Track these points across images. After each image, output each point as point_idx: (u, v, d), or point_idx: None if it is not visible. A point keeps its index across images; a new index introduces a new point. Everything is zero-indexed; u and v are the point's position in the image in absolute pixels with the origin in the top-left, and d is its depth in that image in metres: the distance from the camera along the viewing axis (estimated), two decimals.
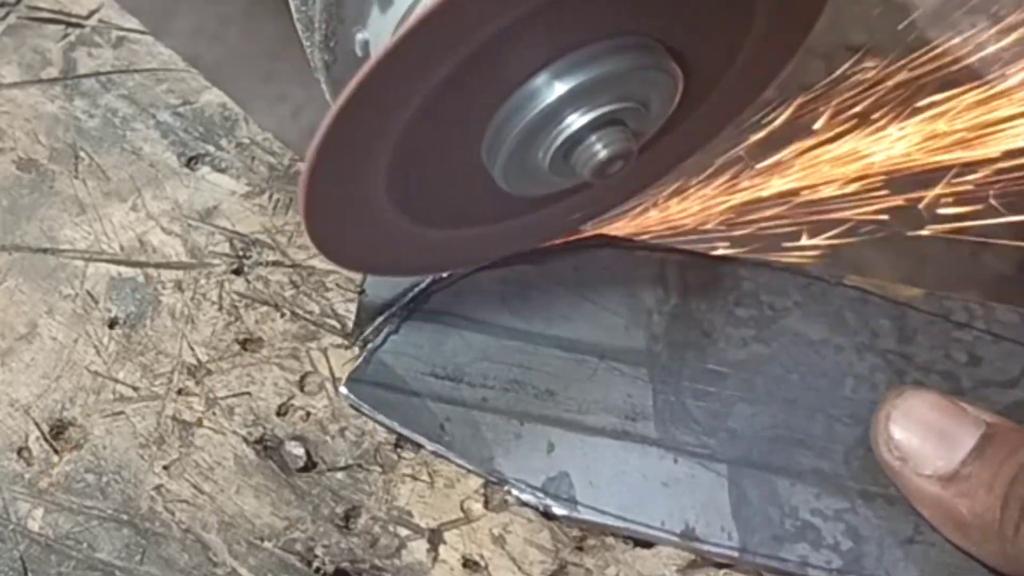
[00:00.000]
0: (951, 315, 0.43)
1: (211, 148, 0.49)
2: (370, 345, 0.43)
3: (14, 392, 0.43)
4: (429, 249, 0.40)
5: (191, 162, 0.48)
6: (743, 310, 0.43)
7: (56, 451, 0.42)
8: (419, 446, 0.41)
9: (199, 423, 0.42)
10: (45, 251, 0.46)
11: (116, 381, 0.43)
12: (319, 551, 0.40)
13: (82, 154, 0.48)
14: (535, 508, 0.40)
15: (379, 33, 0.36)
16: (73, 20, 0.52)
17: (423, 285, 0.43)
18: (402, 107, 0.32)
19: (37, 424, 0.42)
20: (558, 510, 0.40)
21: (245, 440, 0.42)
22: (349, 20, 0.36)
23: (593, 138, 0.34)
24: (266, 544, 0.40)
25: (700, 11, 0.35)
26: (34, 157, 0.48)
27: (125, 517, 0.41)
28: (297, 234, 0.47)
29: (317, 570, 0.40)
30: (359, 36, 0.36)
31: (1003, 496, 0.35)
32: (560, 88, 0.33)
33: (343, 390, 0.42)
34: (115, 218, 0.47)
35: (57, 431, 0.42)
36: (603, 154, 0.34)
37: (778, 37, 0.38)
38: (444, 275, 0.43)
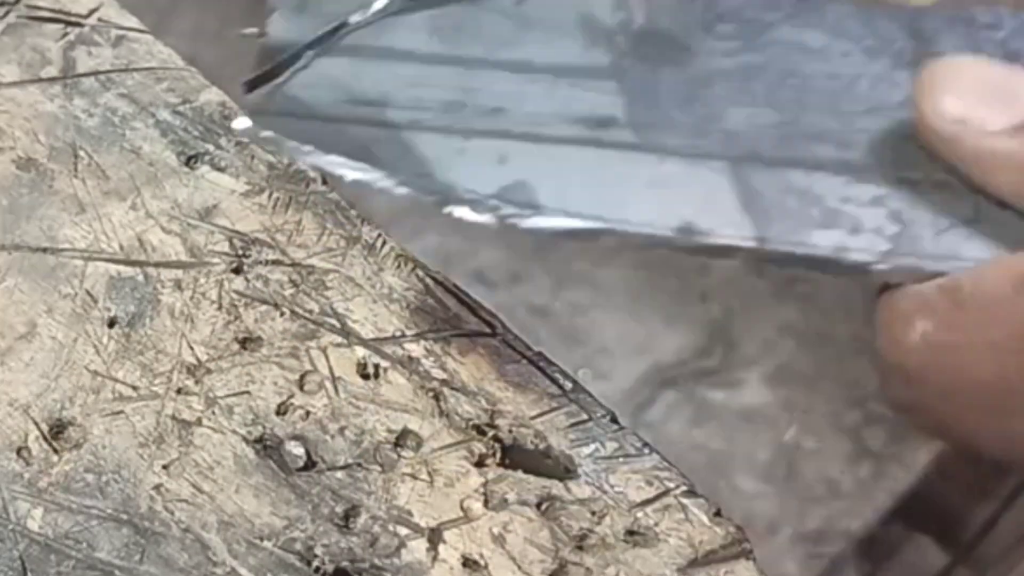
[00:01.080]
0: (975, 20, 0.37)
1: (211, 147, 0.49)
2: (274, 83, 0.37)
3: (13, 391, 0.43)
4: None
5: (191, 161, 0.48)
6: (725, 26, 0.38)
7: (55, 450, 0.42)
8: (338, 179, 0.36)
9: (198, 422, 0.42)
10: (44, 250, 0.46)
11: (115, 380, 0.43)
12: (319, 550, 0.40)
13: (81, 153, 0.48)
14: (491, 223, 0.35)
15: None
16: (72, 19, 0.51)
17: (335, 24, 0.38)
18: None
19: (36, 423, 0.42)
20: (519, 220, 0.34)
21: (244, 439, 0.42)
22: None
23: None
24: (265, 543, 0.40)
25: None
26: (33, 156, 0.48)
27: (124, 516, 0.41)
28: (296, 233, 0.47)
29: (317, 569, 0.40)
30: None
31: None
32: None
33: (237, 124, 0.36)
34: (114, 217, 0.47)
35: (56, 430, 0.42)
36: None
37: None
38: (359, 19, 0.38)
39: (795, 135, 0.36)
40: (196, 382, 0.43)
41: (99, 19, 0.52)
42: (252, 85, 0.38)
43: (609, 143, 0.36)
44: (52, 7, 0.52)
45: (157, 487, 0.41)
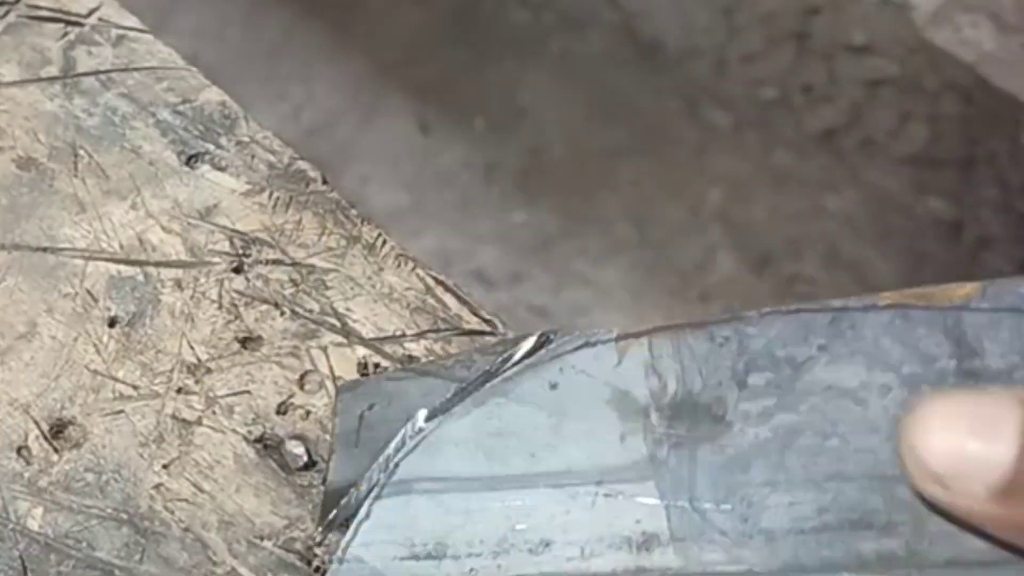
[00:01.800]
0: (1020, 304, 0.33)
1: (211, 146, 0.49)
2: (343, 541, 0.37)
3: (13, 391, 0.43)
4: None
5: (191, 160, 0.48)
6: (757, 375, 0.35)
7: (56, 450, 0.42)
8: None
9: (199, 422, 0.42)
10: (44, 250, 0.46)
11: (116, 380, 0.43)
12: (319, 550, 0.40)
13: (81, 152, 0.48)
14: None
15: None
16: (73, 18, 0.51)
17: (388, 451, 0.38)
18: None
19: (36, 423, 0.42)
20: None
21: (245, 439, 0.42)
22: None
23: None
24: (266, 543, 0.40)
25: None
26: (33, 156, 0.48)
27: (125, 516, 0.41)
28: (297, 232, 0.47)
29: (317, 569, 0.40)
30: None
31: None
32: None
33: None
34: (115, 216, 0.47)
35: (57, 430, 0.42)
36: None
37: None
38: (410, 436, 0.38)
39: (834, 527, 0.32)
40: (196, 381, 0.43)
41: (99, 19, 0.52)
42: (324, 532, 0.39)
43: (656, 572, 0.33)
44: (52, 7, 0.52)
45: (157, 486, 0.41)
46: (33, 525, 0.40)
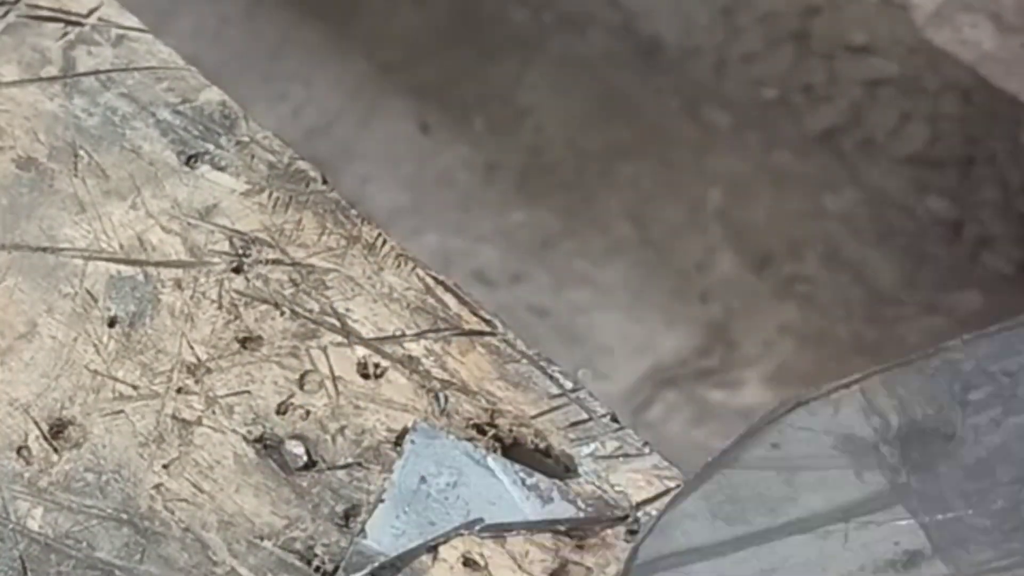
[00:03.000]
0: None
1: (211, 146, 0.49)
2: None
3: (13, 391, 0.43)
4: None
5: (191, 160, 0.48)
6: (976, 392, 0.35)
7: (56, 450, 0.42)
8: None
9: (199, 422, 0.42)
10: (44, 250, 0.46)
11: (115, 380, 0.43)
12: (319, 550, 0.40)
13: (81, 152, 0.48)
14: None
15: None
16: (73, 18, 0.51)
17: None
18: None
19: (36, 423, 0.42)
20: None
21: (245, 439, 0.42)
22: None
23: None
24: (266, 543, 0.40)
25: None
26: (33, 156, 0.48)
27: (125, 516, 0.41)
28: (297, 232, 0.47)
29: (317, 569, 0.40)
30: None
31: None
32: None
33: None
34: (114, 216, 0.47)
35: (57, 430, 0.42)
36: None
37: None
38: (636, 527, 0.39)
39: None
40: (196, 381, 0.43)
41: (99, 18, 0.52)
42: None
43: None
44: (52, 7, 0.52)
45: (157, 487, 0.41)
46: (33, 525, 0.40)
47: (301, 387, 0.44)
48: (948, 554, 0.34)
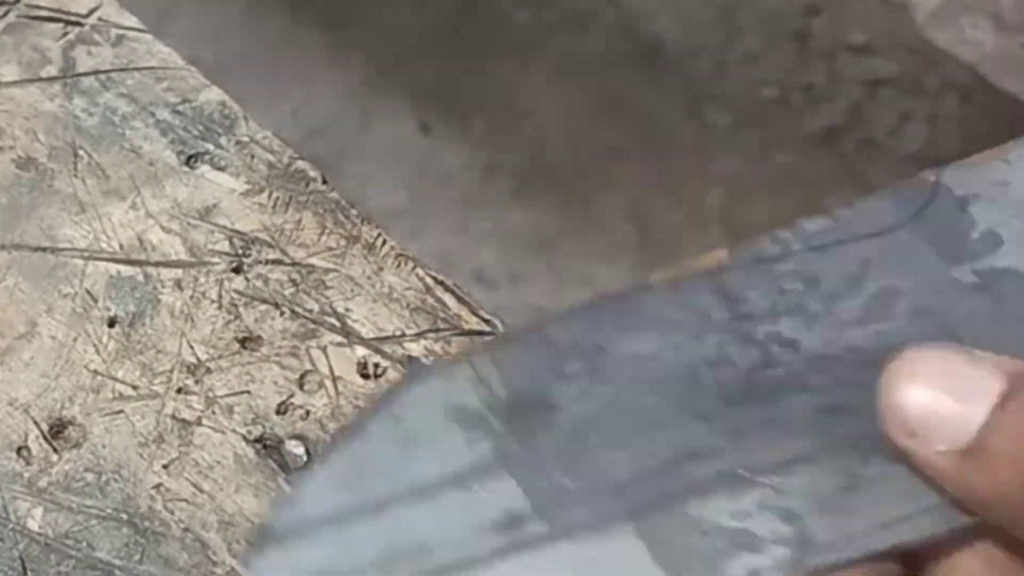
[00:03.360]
0: (764, 255, 0.39)
1: (210, 146, 0.49)
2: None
3: (13, 391, 0.43)
4: None
5: (190, 160, 0.48)
6: (570, 364, 0.39)
7: (55, 450, 0.42)
8: None
9: (198, 422, 0.42)
10: (44, 250, 0.46)
11: (115, 380, 0.43)
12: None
13: (81, 152, 0.48)
14: None
15: None
16: (72, 18, 0.51)
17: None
18: None
19: (36, 423, 0.42)
20: None
21: (245, 439, 0.42)
22: None
23: None
24: None
25: None
26: (33, 156, 0.48)
27: (124, 516, 0.41)
28: (297, 232, 0.47)
29: None
30: None
31: None
32: None
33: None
34: (114, 216, 0.47)
35: (56, 430, 0.42)
36: None
37: None
38: None
39: (670, 462, 0.37)
40: (196, 381, 0.43)
41: (99, 18, 0.52)
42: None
43: (526, 543, 0.37)
44: (52, 7, 0.52)
45: (157, 486, 0.41)
46: (33, 525, 0.40)
47: (301, 387, 0.44)
48: (546, 515, 0.37)
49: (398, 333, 0.45)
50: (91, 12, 0.51)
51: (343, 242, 0.47)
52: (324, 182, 0.48)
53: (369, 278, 0.46)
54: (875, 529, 0.35)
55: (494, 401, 0.39)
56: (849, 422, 0.36)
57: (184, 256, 0.46)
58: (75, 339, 0.44)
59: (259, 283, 0.46)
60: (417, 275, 0.46)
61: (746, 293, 0.38)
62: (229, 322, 0.45)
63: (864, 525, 0.35)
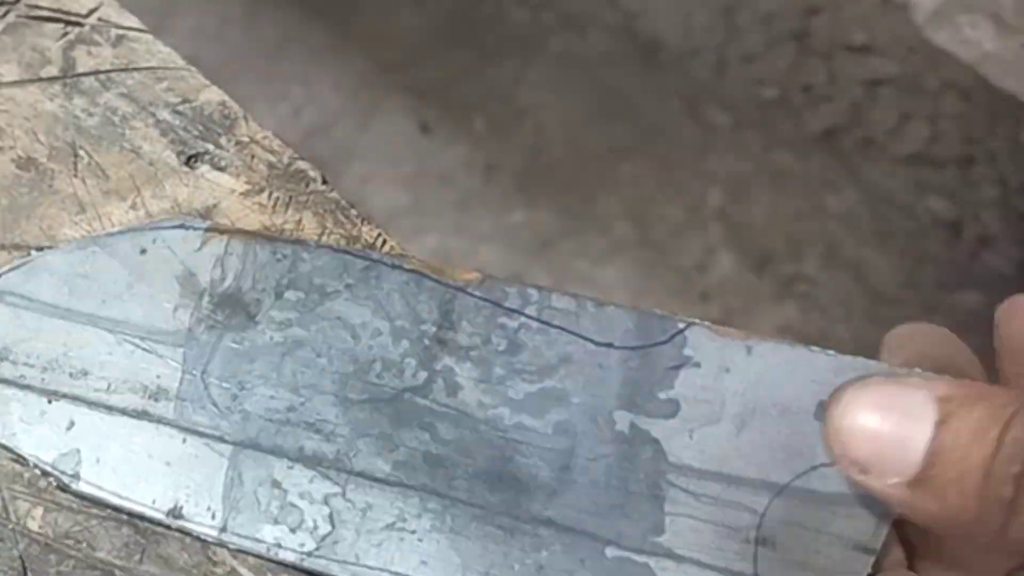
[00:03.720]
0: (504, 301, 0.41)
1: (210, 146, 0.49)
2: None
3: None
4: None
5: (190, 160, 0.48)
6: (292, 292, 0.42)
7: None
8: None
9: None
10: (44, 250, 0.46)
11: None
12: None
13: (81, 152, 0.48)
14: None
15: None
16: (72, 19, 0.51)
17: None
18: None
19: None
20: (64, 485, 0.41)
21: None
22: None
23: None
24: None
25: None
26: (33, 156, 0.48)
27: (124, 516, 0.41)
28: (297, 232, 0.47)
29: None
30: None
31: (977, 494, 0.31)
32: None
33: None
34: (114, 216, 0.47)
35: None
36: None
37: None
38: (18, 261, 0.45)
39: (294, 423, 0.41)
40: None
41: (99, 19, 0.52)
42: None
43: (154, 417, 0.41)
44: (52, 7, 0.52)
45: None
46: (33, 525, 0.40)
47: None
48: (181, 405, 0.41)
49: None
50: (91, 12, 0.51)
51: (343, 242, 0.47)
52: (324, 182, 0.48)
53: None
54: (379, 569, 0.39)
55: (217, 286, 0.43)
56: (444, 473, 0.40)
57: None
58: None
59: None
60: None
61: (460, 322, 0.41)
62: None
63: (376, 560, 0.39)
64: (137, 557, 0.40)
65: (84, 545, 0.40)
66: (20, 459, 0.42)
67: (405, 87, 1.25)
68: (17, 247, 0.46)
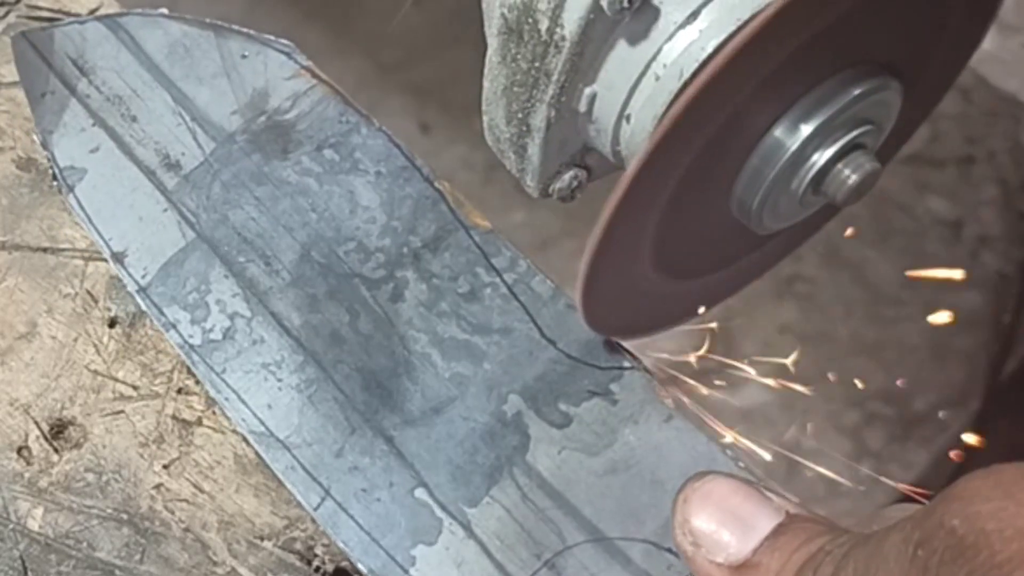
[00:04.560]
0: (493, 256, 0.44)
1: None
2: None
3: (14, 391, 0.43)
4: (678, 299, 0.43)
5: None
6: (330, 152, 0.46)
7: (56, 450, 0.42)
8: None
9: (199, 422, 0.42)
10: (45, 250, 0.46)
11: (116, 380, 0.43)
12: (319, 550, 0.40)
13: None
14: None
15: (612, 86, 0.37)
16: (73, 19, 0.51)
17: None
18: (673, 175, 0.35)
19: (37, 423, 0.42)
20: (59, 188, 0.47)
21: (245, 439, 0.42)
22: (583, 76, 0.37)
23: (840, 166, 0.36)
24: (266, 543, 0.40)
25: (905, 20, 0.37)
26: (34, 156, 0.48)
27: (125, 516, 0.41)
28: None
29: (317, 569, 0.40)
30: (587, 91, 0.37)
31: None
32: (804, 131, 0.35)
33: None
34: None
35: (57, 430, 0.42)
36: (853, 179, 0.36)
37: (967, 25, 0.39)
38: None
39: (258, 248, 0.44)
40: (196, 382, 0.43)
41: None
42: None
43: (156, 180, 0.45)
44: (52, 7, 0.52)
45: (157, 487, 0.41)
46: (33, 525, 0.40)
47: None
48: (195, 177, 0.45)
49: None
50: (91, 13, 0.51)
51: None
52: None
53: None
54: None
55: (278, 114, 0.46)
56: (337, 352, 0.42)
57: None
58: (75, 339, 0.44)
59: None
60: None
61: (444, 251, 0.44)
62: None
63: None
64: (137, 557, 0.40)
65: (84, 545, 0.40)
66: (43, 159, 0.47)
67: (405, 87, 1.25)
68: (17, 247, 0.46)
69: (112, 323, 0.44)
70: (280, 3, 1.23)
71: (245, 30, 0.49)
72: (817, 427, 1.06)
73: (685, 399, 0.42)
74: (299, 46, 0.49)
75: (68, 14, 0.51)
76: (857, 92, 0.36)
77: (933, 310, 1.08)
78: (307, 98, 0.47)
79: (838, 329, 1.10)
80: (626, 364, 0.41)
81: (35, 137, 0.47)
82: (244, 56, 0.48)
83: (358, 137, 0.46)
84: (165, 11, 0.49)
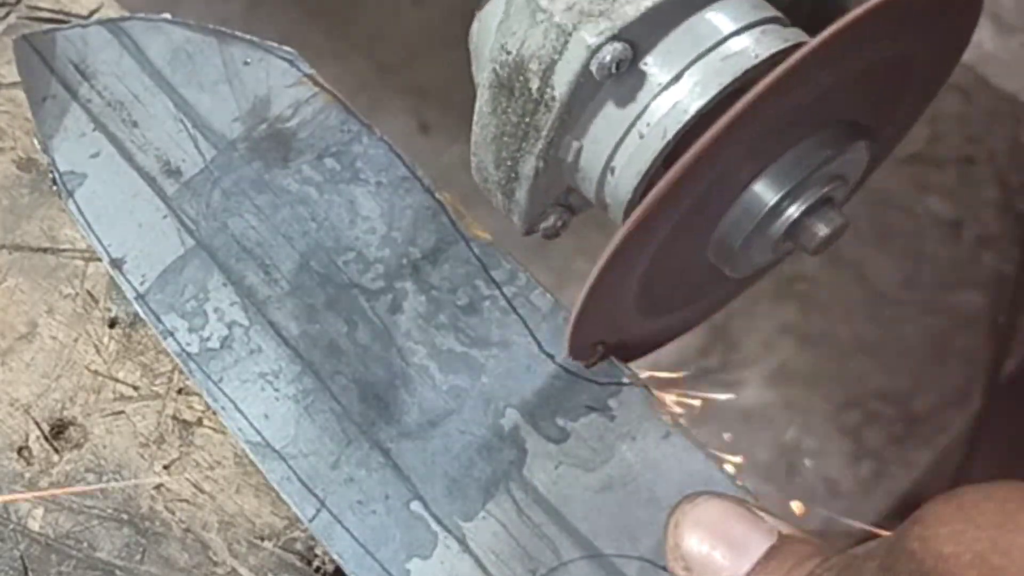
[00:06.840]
0: (493, 269, 0.44)
1: None
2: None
3: (14, 391, 0.43)
4: (651, 332, 0.43)
5: None
6: (332, 160, 0.46)
7: (56, 450, 0.42)
8: None
9: (199, 422, 0.42)
10: (45, 250, 0.46)
11: (116, 380, 0.43)
12: (319, 550, 0.40)
13: None
14: None
15: (598, 140, 0.39)
16: (73, 19, 0.51)
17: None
18: (661, 229, 0.36)
19: (37, 423, 0.42)
20: (59, 192, 0.47)
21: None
22: (570, 130, 0.38)
23: (812, 220, 0.38)
24: (266, 543, 0.40)
25: (874, 84, 0.39)
26: (34, 156, 0.48)
27: (125, 516, 0.41)
28: None
29: (317, 569, 0.40)
30: (575, 143, 0.39)
31: None
32: (782, 187, 0.37)
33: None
34: None
35: (57, 430, 0.42)
36: (824, 232, 0.38)
37: (930, 77, 0.42)
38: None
39: (257, 257, 0.44)
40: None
41: (99, 20, 0.52)
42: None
43: (157, 187, 0.45)
44: (52, 7, 0.52)
45: (158, 487, 0.41)
46: (34, 525, 0.40)
47: None
48: (195, 183, 0.45)
49: None
50: (92, 13, 0.51)
51: None
52: None
53: None
54: None
55: (280, 121, 0.46)
56: (335, 363, 0.42)
57: None
58: (76, 340, 0.44)
59: None
60: None
61: (443, 263, 0.43)
62: None
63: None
64: (137, 557, 0.40)
65: (85, 545, 0.40)
66: (40, 159, 0.47)
67: (405, 87, 1.25)
68: (18, 247, 0.46)
69: (112, 323, 0.44)
70: (280, 3, 1.23)
71: (248, 36, 0.48)
72: (817, 427, 1.06)
73: (682, 419, 0.42)
74: (299, 47, 0.48)
75: (68, 14, 0.51)
76: (829, 152, 0.38)
77: (933, 310, 1.08)
78: (309, 106, 0.47)
79: (838, 329, 1.10)
80: (624, 380, 0.41)
81: (35, 139, 0.47)
82: (246, 63, 0.47)
83: (359, 146, 0.46)
84: (168, 16, 0.49)
